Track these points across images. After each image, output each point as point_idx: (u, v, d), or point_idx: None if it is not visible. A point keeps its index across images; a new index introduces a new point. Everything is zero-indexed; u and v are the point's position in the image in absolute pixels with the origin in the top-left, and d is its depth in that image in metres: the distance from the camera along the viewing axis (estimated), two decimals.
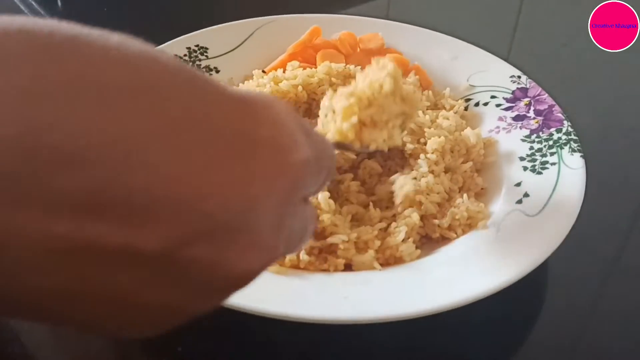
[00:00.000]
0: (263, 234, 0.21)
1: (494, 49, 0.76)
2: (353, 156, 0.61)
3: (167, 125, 0.19)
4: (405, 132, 0.58)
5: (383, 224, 0.56)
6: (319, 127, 0.51)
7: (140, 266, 0.19)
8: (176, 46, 0.73)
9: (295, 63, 0.71)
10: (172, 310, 0.21)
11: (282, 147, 0.21)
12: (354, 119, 0.48)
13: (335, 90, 0.52)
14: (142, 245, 0.18)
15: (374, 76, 0.52)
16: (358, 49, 0.75)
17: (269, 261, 0.23)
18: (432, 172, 0.59)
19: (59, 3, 0.94)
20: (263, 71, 0.71)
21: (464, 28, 0.86)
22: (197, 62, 0.73)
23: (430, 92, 0.72)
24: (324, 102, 0.52)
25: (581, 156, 0.60)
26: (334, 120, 0.50)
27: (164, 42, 0.73)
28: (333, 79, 0.67)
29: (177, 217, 0.19)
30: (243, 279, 0.22)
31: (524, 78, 0.70)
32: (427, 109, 0.68)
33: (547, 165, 0.60)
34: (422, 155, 0.60)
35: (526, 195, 0.58)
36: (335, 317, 0.45)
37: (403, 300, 0.47)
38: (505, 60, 0.74)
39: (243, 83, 0.70)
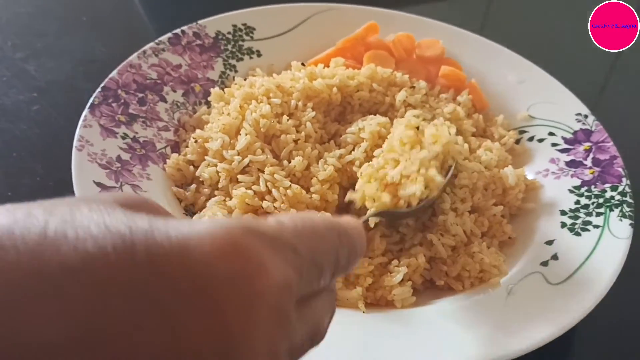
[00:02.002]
0: None
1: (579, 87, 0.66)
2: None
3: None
4: (453, 165, 0.53)
5: (384, 259, 0.51)
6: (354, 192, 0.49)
7: None
8: (221, 22, 0.69)
9: (340, 60, 0.65)
10: None
11: (246, 278, 0.20)
12: (374, 185, 0.48)
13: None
14: None
15: (396, 133, 0.52)
16: (414, 55, 0.69)
17: None
18: (454, 209, 0.53)
19: None
20: (302, 64, 0.65)
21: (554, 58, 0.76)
22: (240, 43, 0.68)
23: (480, 116, 0.64)
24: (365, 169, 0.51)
25: (631, 224, 0.51)
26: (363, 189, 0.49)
27: (210, 16, 0.69)
28: (374, 85, 0.61)
29: None
30: None
31: (590, 119, 0.61)
32: (471, 136, 0.61)
33: (588, 227, 0.52)
34: (447, 189, 0.53)
35: (554, 257, 0.50)
36: None
37: (372, 355, 0.42)
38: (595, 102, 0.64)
39: (279, 73, 0.65)
